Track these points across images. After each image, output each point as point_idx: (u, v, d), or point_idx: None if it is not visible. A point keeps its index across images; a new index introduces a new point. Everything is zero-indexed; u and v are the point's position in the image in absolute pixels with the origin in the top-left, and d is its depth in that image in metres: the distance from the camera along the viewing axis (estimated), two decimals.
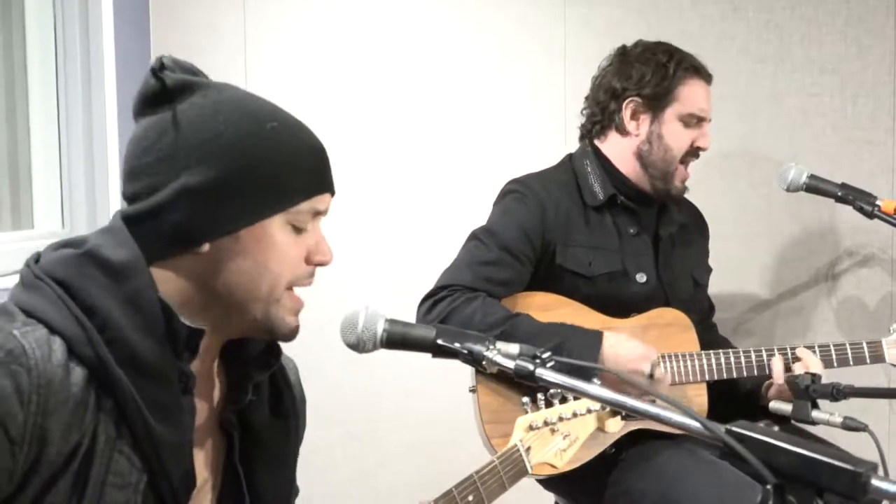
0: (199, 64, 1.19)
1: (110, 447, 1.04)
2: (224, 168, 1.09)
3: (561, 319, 2.03)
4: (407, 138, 2.77)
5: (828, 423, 1.68)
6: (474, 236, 2.12)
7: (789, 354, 2.06)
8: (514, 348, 1.22)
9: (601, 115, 2.20)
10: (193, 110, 1.10)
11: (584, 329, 2.00)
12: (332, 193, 1.20)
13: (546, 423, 1.59)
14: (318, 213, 1.17)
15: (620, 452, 2.01)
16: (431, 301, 2.02)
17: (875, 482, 0.89)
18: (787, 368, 2.04)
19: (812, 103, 2.76)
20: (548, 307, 2.07)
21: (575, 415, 1.61)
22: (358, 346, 1.24)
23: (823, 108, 2.76)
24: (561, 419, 1.60)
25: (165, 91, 1.11)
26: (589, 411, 1.64)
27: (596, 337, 1.98)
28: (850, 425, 1.63)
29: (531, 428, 1.57)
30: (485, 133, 2.77)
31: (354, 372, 2.63)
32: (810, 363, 2.01)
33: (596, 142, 2.22)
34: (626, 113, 2.15)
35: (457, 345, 1.23)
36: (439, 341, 1.24)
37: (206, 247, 1.10)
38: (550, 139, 2.74)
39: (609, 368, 1.18)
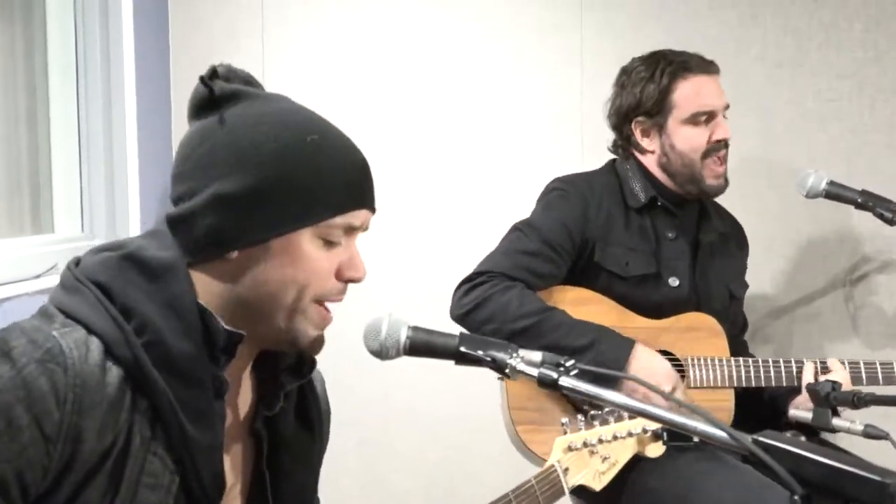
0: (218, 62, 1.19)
1: (145, 448, 1.05)
2: (257, 177, 1.09)
3: (594, 316, 2.05)
4: (425, 143, 2.78)
5: (849, 431, 1.68)
6: (516, 228, 2.14)
7: (818, 366, 2.06)
8: (536, 356, 1.22)
9: (621, 138, 2.23)
10: (236, 119, 1.12)
11: (616, 334, 2.01)
12: (372, 210, 1.19)
13: (585, 445, 1.58)
14: (352, 229, 1.16)
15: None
16: (470, 285, 2.04)
17: None
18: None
19: (830, 108, 2.75)
20: (582, 302, 2.09)
21: (615, 437, 1.61)
22: (381, 353, 1.24)
23: (841, 112, 2.75)
24: (601, 441, 1.59)
25: (213, 98, 1.13)
26: (630, 434, 1.63)
27: (629, 344, 1.99)
28: (872, 433, 1.63)
29: (570, 449, 1.56)
30: (502, 138, 2.77)
31: (367, 377, 2.63)
32: (836, 371, 2.01)
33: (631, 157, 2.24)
34: (637, 133, 2.18)
35: (480, 352, 1.23)
36: (462, 349, 1.24)
37: (234, 254, 1.11)
38: (568, 144, 2.74)
39: (633, 376, 1.18)
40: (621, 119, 2.20)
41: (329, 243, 1.15)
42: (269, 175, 1.10)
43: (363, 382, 2.69)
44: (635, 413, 1.07)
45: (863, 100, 2.75)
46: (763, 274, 2.73)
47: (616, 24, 2.74)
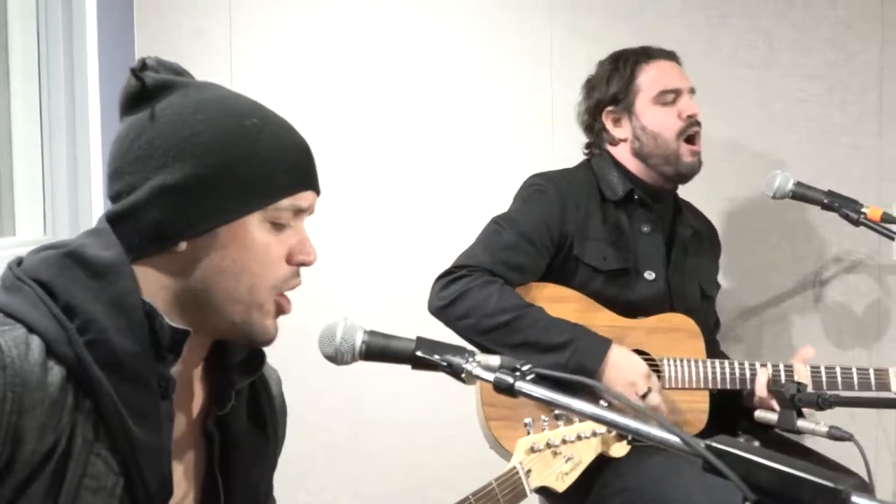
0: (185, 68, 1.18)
1: (87, 449, 1.03)
2: (201, 165, 1.08)
3: (571, 313, 2.05)
4: (394, 144, 2.76)
5: (813, 433, 1.67)
6: (494, 222, 2.15)
7: (781, 368, 2.06)
8: (494, 360, 1.21)
9: (592, 136, 2.27)
10: (172, 108, 1.10)
11: (594, 333, 2.01)
12: (317, 192, 1.18)
13: (548, 446, 1.56)
14: (300, 212, 1.16)
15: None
16: (449, 278, 2.04)
17: (856, 500, 0.88)
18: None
19: (799, 109, 2.75)
20: (559, 299, 2.09)
21: (580, 437, 1.59)
22: (336, 357, 1.23)
23: (811, 114, 2.75)
24: (564, 442, 1.57)
25: (145, 90, 1.11)
26: (595, 434, 1.61)
27: (605, 344, 1.99)
28: (836, 435, 1.62)
29: (532, 450, 1.55)
30: (472, 139, 2.76)
31: (338, 380, 2.60)
32: (800, 375, 2.01)
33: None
34: (609, 124, 2.22)
35: (436, 357, 1.21)
36: (418, 353, 1.22)
37: (183, 245, 1.09)
38: (538, 145, 2.73)
39: (591, 381, 1.16)
40: (592, 115, 2.24)
41: (277, 227, 1.13)
42: (212, 161, 1.08)
43: (334, 385, 2.67)
44: (589, 418, 1.05)
45: (832, 101, 2.75)
46: (734, 276, 2.73)
47: (586, 26, 2.73)
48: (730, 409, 2.12)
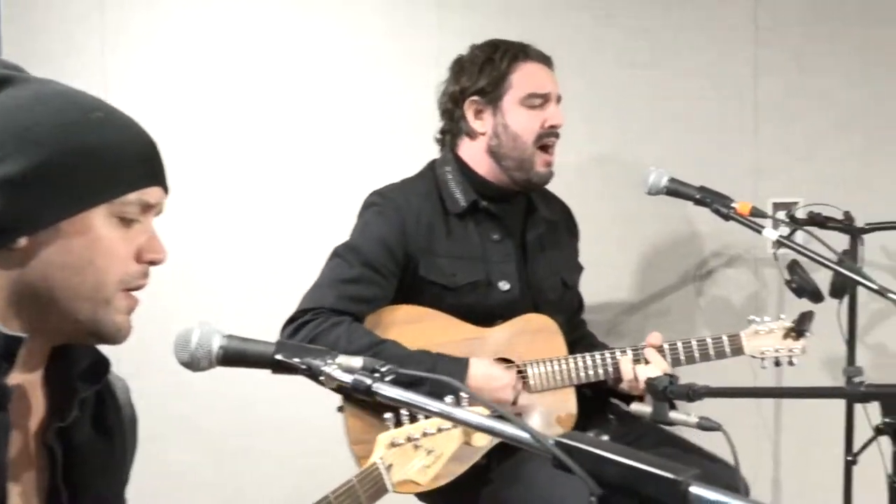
0: (55, 70, 1.18)
1: None
2: (41, 157, 1.04)
3: (428, 332, 2.01)
4: (275, 144, 2.72)
5: (685, 424, 1.70)
6: (336, 254, 2.07)
7: (640, 354, 2.09)
8: (356, 362, 1.19)
9: (450, 123, 2.20)
10: (11, 101, 1.06)
11: (450, 357, 1.98)
12: (165, 189, 1.15)
13: (409, 440, 1.55)
14: (148, 208, 1.12)
15: (492, 464, 2.00)
16: (294, 326, 1.97)
17: (694, 490, 0.90)
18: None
19: (681, 107, 2.82)
20: (414, 319, 2.05)
21: (440, 430, 1.58)
22: (192, 364, 1.19)
23: (692, 112, 2.82)
24: (425, 435, 1.56)
25: None
26: (455, 425, 1.61)
27: (462, 364, 1.97)
28: (705, 425, 1.66)
29: (393, 444, 1.53)
30: (357, 138, 2.74)
31: (227, 384, 2.54)
32: (655, 362, 2.05)
33: (455, 149, 2.21)
34: (470, 114, 2.16)
35: (296, 360, 1.19)
36: (278, 357, 1.19)
37: (23, 241, 1.04)
38: (426, 144, 2.72)
39: (448, 379, 1.16)
40: (455, 102, 2.17)
41: (125, 222, 1.09)
42: (54, 152, 1.04)
43: (226, 391, 2.60)
44: (444, 418, 1.05)
45: (710, 100, 2.83)
46: (618, 272, 2.79)
47: (473, 25, 2.74)
48: (600, 400, 2.15)
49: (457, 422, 1.05)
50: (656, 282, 2.83)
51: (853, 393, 1.51)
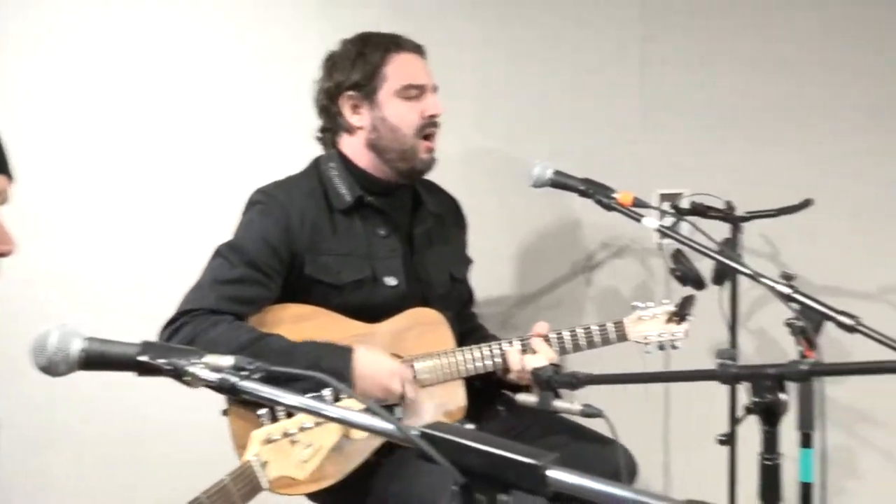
0: None
1: None
2: None
3: (315, 330, 1.98)
4: (157, 141, 2.67)
5: (569, 412, 1.73)
6: (218, 253, 2.02)
7: (528, 344, 2.11)
8: (226, 361, 1.16)
9: (328, 119, 2.18)
10: None
11: (335, 346, 1.95)
12: (10, 178, 1.13)
13: (285, 435, 1.52)
14: None
15: (382, 460, 1.99)
16: (172, 329, 1.91)
17: (552, 473, 0.91)
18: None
19: (572, 104, 2.85)
20: (302, 318, 2.02)
21: (318, 423, 1.57)
22: (49, 368, 1.15)
23: (583, 108, 2.85)
24: (303, 429, 1.54)
25: None
26: None
27: (348, 352, 1.94)
28: (587, 412, 1.68)
29: (268, 441, 1.51)
30: (240, 135, 2.70)
31: (112, 389, 2.47)
32: (542, 351, 2.08)
33: (336, 146, 2.19)
34: (346, 110, 2.14)
35: (161, 361, 1.16)
36: (141, 358, 1.16)
37: None
38: (310, 141, 2.68)
39: (320, 375, 1.14)
40: (330, 98, 2.15)
41: None
42: None
43: (110, 396, 2.52)
44: (306, 413, 1.03)
45: (600, 94, 2.87)
46: (510, 266, 2.81)
47: (363, 23, 2.71)
48: (490, 392, 2.17)
49: (321, 417, 1.04)
50: (547, 273, 2.87)
51: (724, 374, 1.55)
